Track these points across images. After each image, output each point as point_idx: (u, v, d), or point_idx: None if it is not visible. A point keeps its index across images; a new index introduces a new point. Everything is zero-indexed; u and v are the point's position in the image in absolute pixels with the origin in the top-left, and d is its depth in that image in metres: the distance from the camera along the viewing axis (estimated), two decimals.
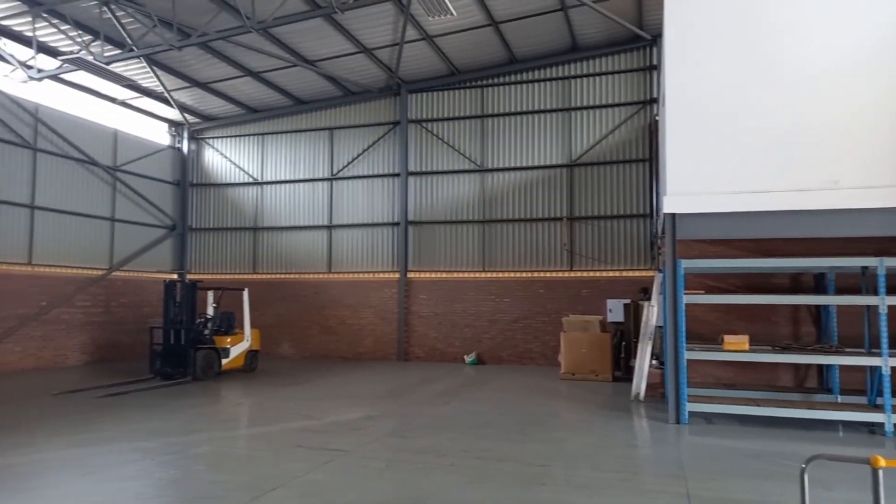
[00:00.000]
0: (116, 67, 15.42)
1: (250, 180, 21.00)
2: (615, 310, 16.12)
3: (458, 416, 10.02)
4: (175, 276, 20.17)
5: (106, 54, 13.60)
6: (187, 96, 19.48)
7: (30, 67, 14.10)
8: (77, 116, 17.80)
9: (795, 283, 11.47)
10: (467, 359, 17.85)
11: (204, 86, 18.69)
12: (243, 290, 16.09)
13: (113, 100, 18.89)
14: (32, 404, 10.99)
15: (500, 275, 18.18)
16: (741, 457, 7.49)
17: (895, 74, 8.89)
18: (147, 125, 20.50)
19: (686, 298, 9.52)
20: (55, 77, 14.91)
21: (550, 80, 18.18)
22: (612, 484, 6.31)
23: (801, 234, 9.19)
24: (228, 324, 15.35)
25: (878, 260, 8.79)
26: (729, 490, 6.16)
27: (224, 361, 14.72)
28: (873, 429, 9.01)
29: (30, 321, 16.06)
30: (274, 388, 13.24)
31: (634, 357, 12.61)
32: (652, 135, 16.10)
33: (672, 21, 9.76)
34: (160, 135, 21.03)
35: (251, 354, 15.69)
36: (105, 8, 13.36)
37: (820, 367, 11.08)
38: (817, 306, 11.13)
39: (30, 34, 14.03)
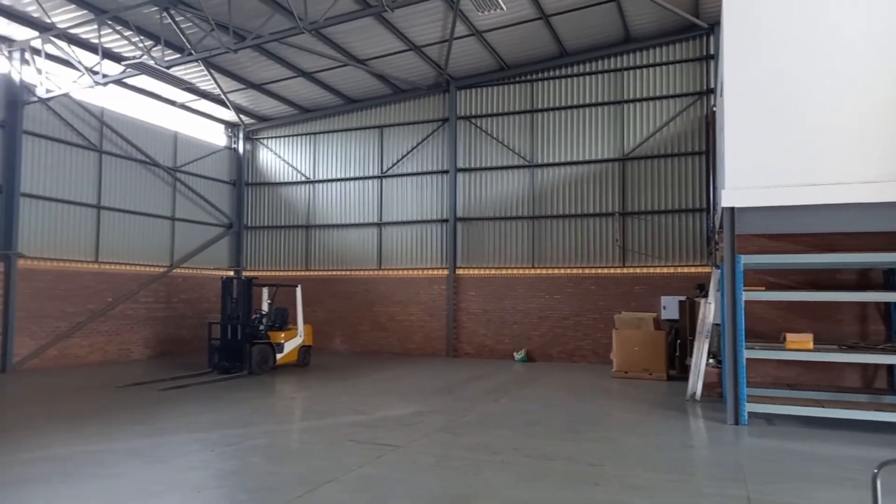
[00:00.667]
0: (176, 71, 15.96)
1: (302, 179, 21.42)
2: (670, 307, 15.72)
3: (508, 413, 9.97)
4: (232, 273, 20.82)
5: (166, 59, 14.09)
6: (243, 98, 20.01)
7: (96, 73, 14.76)
8: (139, 119, 18.53)
9: (863, 279, 10.92)
10: (517, 356, 17.75)
11: (258, 87, 19.16)
12: (296, 286, 16.44)
13: (173, 102, 19.58)
14: (101, 396, 11.52)
15: (550, 271, 17.98)
16: (804, 460, 7.18)
17: None
18: (205, 127, 21.16)
19: (745, 295, 9.19)
20: (119, 82, 15.55)
21: (602, 72, 17.84)
22: (668, 486, 6.15)
23: (868, 227, 8.74)
24: (282, 320, 15.71)
25: None
26: (791, 495, 5.91)
27: (278, 356, 15.09)
28: None
29: (97, 316, 16.84)
30: (326, 382, 13.48)
31: (690, 355, 12.27)
32: (709, 126, 15.59)
33: (732, 8, 9.42)
34: (217, 136, 21.68)
35: (304, 350, 16.02)
36: (165, 14, 13.84)
37: (890, 367, 10.52)
38: (887, 303, 10.56)
39: (96, 41, 14.67)
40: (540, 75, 18.48)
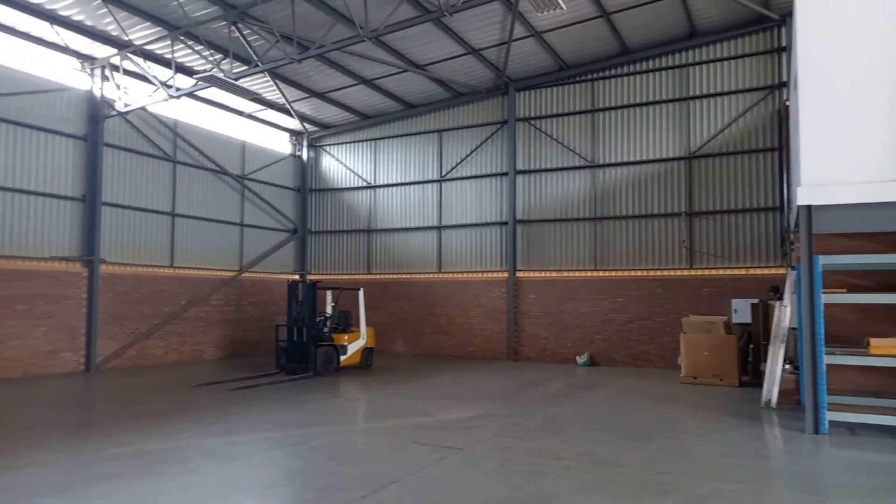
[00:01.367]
0: (243, 82, 16.55)
1: (364, 184, 21.79)
2: (741, 310, 15.08)
3: (572, 418, 9.80)
4: (297, 277, 21.38)
5: (234, 71, 14.64)
6: (306, 106, 20.55)
7: (169, 87, 15.49)
8: (210, 130, 19.33)
9: None
10: (579, 360, 17.45)
11: (321, 95, 19.64)
12: (359, 289, 16.73)
13: (241, 113, 20.32)
14: (177, 395, 12.04)
15: (614, 273, 17.60)
16: (890, 473, 6.73)
17: None
18: (271, 135, 21.86)
19: (824, 297, 8.72)
20: (191, 94, 16.26)
21: (666, 69, 17.36)
22: (743, 496, 5.89)
23: None
24: (346, 322, 16.02)
25: None
26: None
27: (342, 358, 15.38)
28: None
29: (172, 319, 17.63)
30: (388, 384, 13.64)
31: (764, 361, 11.73)
32: (782, 121, 14.90)
33: None
34: (282, 144, 22.35)
35: (367, 352, 16.27)
36: (233, 27, 14.39)
37: None
38: None
39: (169, 56, 15.40)
40: (600, 74, 18.15)
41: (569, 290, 18.09)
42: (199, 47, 15.40)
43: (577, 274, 18.07)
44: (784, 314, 10.75)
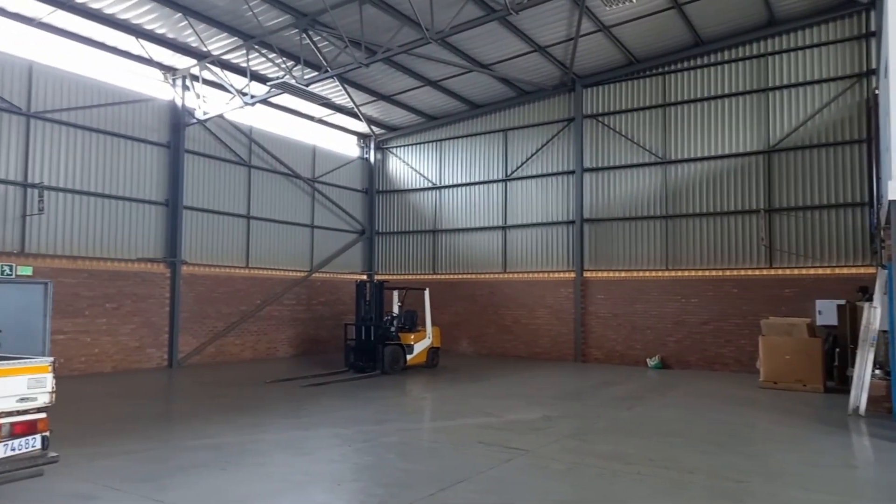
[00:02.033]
0: (313, 88, 17.01)
1: (429, 185, 21.98)
2: (826, 311, 14.25)
3: (643, 421, 9.54)
4: (364, 277, 21.79)
5: (305, 77, 15.09)
6: (374, 109, 20.94)
7: (245, 94, 16.14)
8: (282, 135, 20.01)
9: None
10: (650, 362, 16.97)
11: (388, 98, 19.96)
12: (425, 289, 16.89)
13: (311, 118, 20.93)
14: (252, 391, 12.53)
15: (686, 273, 17.01)
16: None
17: None
18: (339, 139, 22.40)
19: None
20: (264, 101, 16.87)
21: (742, 59, 16.62)
22: None
23: None
24: (412, 321, 16.22)
25: None
26: None
27: (408, 357, 15.57)
28: None
29: (248, 317, 18.35)
30: (454, 384, 13.70)
31: (851, 366, 11.04)
32: (870, 111, 13.99)
33: None
34: (350, 147, 22.85)
35: (433, 351, 16.40)
36: (304, 34, 14.85)
37: None
38: None
39: (244, 65, 16.05)
40: (672, 67, 17.58)
41: (639, 291, 17.62)
42: (272, 55, 15.96)
43: (647, 274, 17.57)
44: (874, 316, 10.09)
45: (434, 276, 21.42)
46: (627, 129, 18.19)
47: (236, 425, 8.95)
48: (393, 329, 15.75)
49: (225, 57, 16.04)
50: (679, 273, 17.10)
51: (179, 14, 14.08)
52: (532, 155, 19.78)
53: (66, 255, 14.37)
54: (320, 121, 21.25)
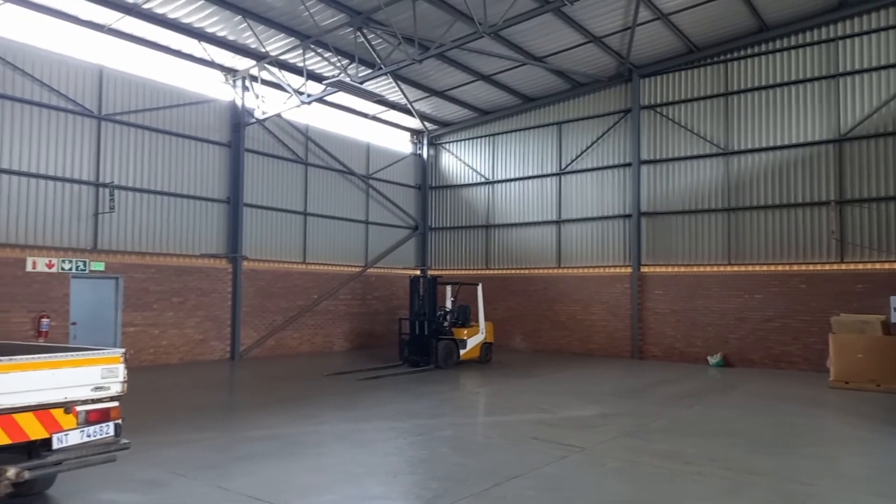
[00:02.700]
0: (368, 85, 17.20)
1: (482, 180, 21.91)
2: None
3: (703, 421, 9.26)
4: (418, 272, 21.97)
5: (360, 75, 15.30)
6: (426, 105, 21.02)
7: (301, 93, 16.48)
8: (337, 133, 20.35)
9: None
10: (711, 360, 16.44)
11: (441, 94, 20.00)
12: (477, 284, 16.87)
13: (365, 115, 21.19)
14: (310, 383, 12.83)
15: (750, 268, 16.38)
16: None
17: None
18: (393, 135, 22.60)
19: None
20: (320, 99, 17.19)
21: (810, 44, 15.84)
22: None
23: None
24: (465, 317, 16.23)
25: None
26: None
27: (462, 352, 15.60)
28: None
29: (305, 312, 18.79)
30: (508, 379, 13.65)
31: None
32: None
33: None
34: (403, 143, 23.03)
35: (486, 346, 16.38)
36: (359, 33, 15.04)
37: None
38: None
39: (301, 65, 16.38)
40: (734, 55, 16.92)
41: (699, 286, 17.09)
42: (327, 54, 16.23)
43: (708, 269, 17.02)
44: None
45: (487, 272, 21.37)
46: (687, 119, 17.64)
47: (295, 416, 9.18)
48: (446, 324, 15.81)
49: (282, 57, 16.42)
50: (742, 268, 16.49)
51: (239, 16, 14.49)
52: (587, 148, 19.44)
53: (135, 251, 15.04)
54: (374, 118, 21.49)
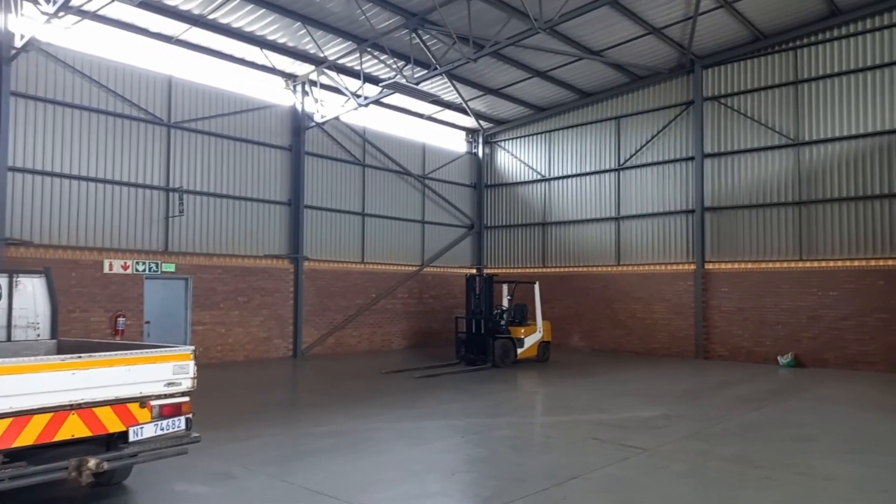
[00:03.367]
0: (423, 86, 17.33)
1: (538, 177, 21.71)
2: None
3: (773, 424, 8.88)
4: (474, 271, 21.98)
5: (415, 76, 15.43)
6: (481, 104, 20.99)
7: (358, 96, 16.77)
8: (393, 134, 20.60)
9: None
10: (781, 360, 15.76)
11: (496, 92, 19.93)
12: (534, 283, 16.73)
13: (420, 115, 21.36)
14: (369, 381, 13.04)
15: (823, 264, 15.60)
16: None
17: None
18: (448, 135, 22.68)
19: None
20: (377, 102, 17.44)
21: (886, 28, 14.93)
22: None
23: None
24: (522, 315, 16.12)
25: None
26: None
27: (519, 351, 15.50)
28: None
29: (364, 310, 19.11)
30: (566, 379, 13.48)
31: None
32: None
33: None
34: (459, 143, 23.08)
35: (543, 345, 16.22)
36: (414, 34, 15.17)
37: None
38: None
39: (357, 68, 16.66)
40: (804, 41, 16.15)
41: (768, 283, 16.40)
42: (383, 56, 16.44)
43: (777, 265, 16.32)
44: None
45: (544, 270, 21.17)
46: (753, 110, 16.96)
47: (356, 414, 9.35)
48: (503, 322, 15.76)
49: (340, 61, 16.74)
50: (815, 264, 15.73)
51: (299, 23, 14.86)
52: (647, 142, 18.96)
53: (202, 253, 15.67)
54: (429, 118, 21.62)
